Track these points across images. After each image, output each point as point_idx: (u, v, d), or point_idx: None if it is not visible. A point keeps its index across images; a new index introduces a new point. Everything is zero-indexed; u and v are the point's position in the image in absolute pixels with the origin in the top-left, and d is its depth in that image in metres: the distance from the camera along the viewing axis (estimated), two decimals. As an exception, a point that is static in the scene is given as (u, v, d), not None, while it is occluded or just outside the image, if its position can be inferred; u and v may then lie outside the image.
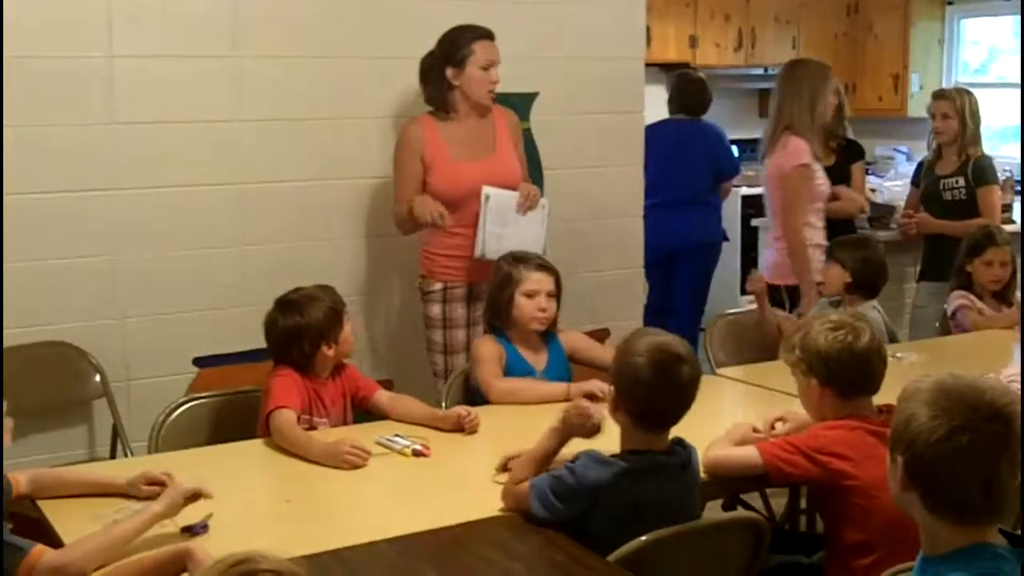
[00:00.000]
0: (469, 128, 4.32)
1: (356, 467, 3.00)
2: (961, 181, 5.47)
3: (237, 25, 4.32)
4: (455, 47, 4.24)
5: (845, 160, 5.48)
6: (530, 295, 3.71)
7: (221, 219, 4.38)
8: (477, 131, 4.33)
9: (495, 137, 4.37)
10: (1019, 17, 7.61)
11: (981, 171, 5.44)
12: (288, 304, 3.42)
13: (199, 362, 4.37)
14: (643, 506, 2.55)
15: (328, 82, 4.52)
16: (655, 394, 2.59)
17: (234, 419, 3.45)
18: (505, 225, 4.23)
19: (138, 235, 4.23)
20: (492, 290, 3.81)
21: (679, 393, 2.61)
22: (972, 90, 5.82)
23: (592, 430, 2.66)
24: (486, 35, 4.26)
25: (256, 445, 3.22)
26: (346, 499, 2.91)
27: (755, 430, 3.08)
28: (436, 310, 4.32)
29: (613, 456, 2.60)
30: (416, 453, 3.11)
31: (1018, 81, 7.56)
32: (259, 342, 3.54)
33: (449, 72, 4.24)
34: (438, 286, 4.31)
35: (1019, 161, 5.63)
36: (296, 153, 4.49)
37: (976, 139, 5.50)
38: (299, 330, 3.36)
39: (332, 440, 3.09)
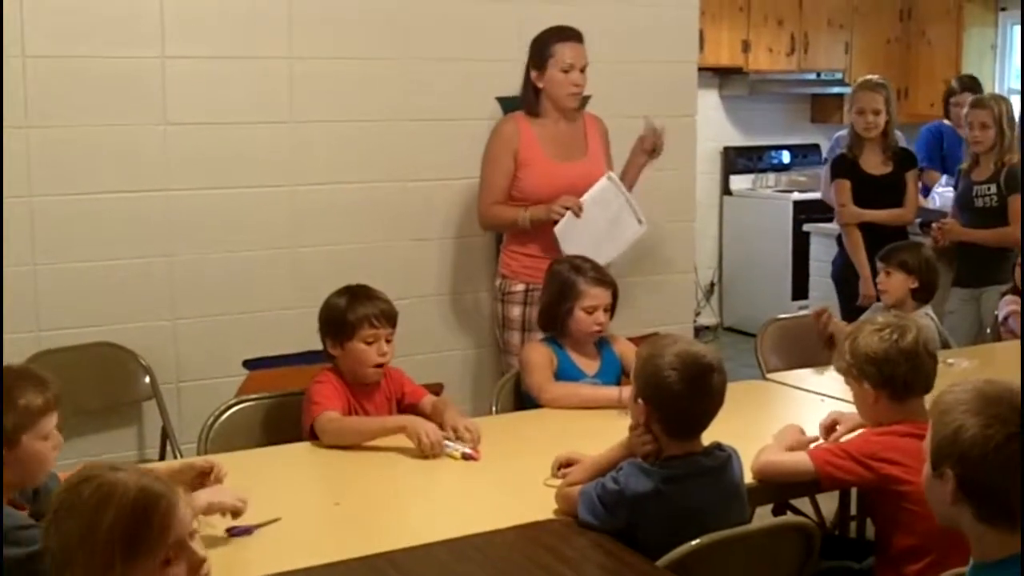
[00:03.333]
0: (560, 130, 4.31)
1: (427, 450, 3.04)
2: (993, 188, 5.40)
3: (292, 26, 4.36)
4: (538, 49, 4.24)
5: (900, 169, 5.43)
6: (590, 311, 3.69)
7: (274, 221, 4.42)
8: (568, 133, 4.33)
9: (586, 140, 4.36)
10: (1020, 25, 7.53)
11: (1012, 177, 5.37)
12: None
13: (249, 364, 4.40)
14: (689, 511, 2.54)
15: (383, 84, 4.55)
16: (688, 405, 2.57)
17: (284, 421, 3.44)
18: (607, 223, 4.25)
19: (190, 237, 4.27)
20: (551, 298, 3.75)
21: (710, 402, 2.60)
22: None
23: (652, 452, 2.64)
24: (571, 36, 4.23)
25: (304, 448, 3.22)
26: (396, 502, 2.90)
27: (803, 433, 3.06)
28: (516, 312, 4.28)
29: (654, 464, 2.59)
30: (465, 457, 3.11)
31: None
32: (310, 344, 3.55)
33: (533, 74, 4.25)
34: (520, 287, 4.28)
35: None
36: (350, 155, 4.53)
37: (1013, 146, 5.43)
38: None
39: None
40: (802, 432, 3.07)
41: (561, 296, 3.71)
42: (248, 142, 4.33)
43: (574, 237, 4.16)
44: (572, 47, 4.21)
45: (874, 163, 5.41)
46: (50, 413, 2.45)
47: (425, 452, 3.06)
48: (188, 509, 1.85)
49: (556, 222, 4.17)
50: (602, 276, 3.76)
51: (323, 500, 2.93)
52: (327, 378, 3.34)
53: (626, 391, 3.42)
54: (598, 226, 4.23)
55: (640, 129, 4.37)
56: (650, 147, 4.40)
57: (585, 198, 4.19)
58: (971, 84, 6.65)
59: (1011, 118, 5.42)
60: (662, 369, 2.57)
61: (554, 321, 3.74)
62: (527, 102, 4.30)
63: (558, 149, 4.29)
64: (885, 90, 5.46)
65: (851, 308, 5.28)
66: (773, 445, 2.99)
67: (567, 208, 4.15)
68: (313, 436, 3.22)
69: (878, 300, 4.63)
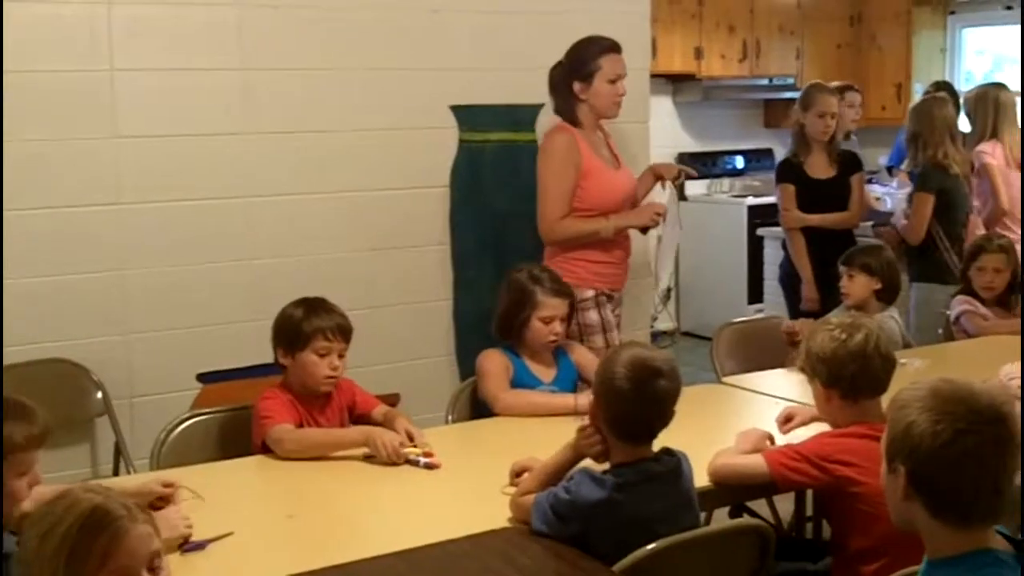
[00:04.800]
0: (597, 139, 4.42)
1: (388, 458, 3.07)
2: None
3: (243, 37, 4.33)
4: (582, 61, 4.30)
5: (845, 172, 5.47)
6: (546, 321, 3.70)
7: (227, 234, 4.38)
8: (602, 143, 4.45)
9: (612, 149, 4.49)
10: (1020, 25, 7.62)
11: (918, 177, 5.43)
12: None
13: (203, 378, 4.36)
14: (640, 518, 2.54)
15: (336, 95, 4.53)
16: (633, 408, 2.58)
17: (239, 435, 3.40)
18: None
19: (143, 250, 4.23)
20: (508, 306, 3.76)
21: (656, 408, 2.61)
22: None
23: (600, 453, 2.65)
24: (613, 48, 4.31)
25: (256, 461, 3.20)
26: (349, 513, 2.89)
27: (771, 440, 3.08)
28: (594, 316, 4.31)
29: (605, 472, 2.60)
30: (428, 466, 3.10)
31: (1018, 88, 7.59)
32: (265, 357, 3.52)
33: (577, 86, 4.30)
34: (590, 293, 4.30)
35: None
36: (304, 167, 4.50)
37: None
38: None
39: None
40: (764, 435, 3.09)
41: (519, 305, 3.72)
42: (200, 154, 4.30)
43: (668, 243, 4.49)
44: (617, 58, 4.30)
45: (819, 167, 5.44)
46: (31, 450, 2.37)
47: (388, 461, 3.07)
48: (151, 541, 1.87)
49: (645, 229, 4.41)
50: (560, 287, 3.78)
51: (276, 513, 2.91)
52: (274, 394, 3.33)
53: (581, 398, 3.44)
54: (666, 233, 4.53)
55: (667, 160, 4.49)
56: (660, 177, 4.58)
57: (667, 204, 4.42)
58: (945, 87, 6.73)
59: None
60: (614, 370, 2.59)
61: (511, 329, 3.75)
62: (568, 113, 4.36)
63: (604, 158, 4.39)
64: (838, 95, 5.54)
65: (798, 311, 5.33)
66: (732, 447, 3.01)
67: (660, 215, 4.35)
68: (265, 451, 3.20)
69: (842, 303, 4.65)
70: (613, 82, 4.28)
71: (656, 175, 4.59)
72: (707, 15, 8.10)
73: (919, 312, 5.34)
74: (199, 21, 4.26)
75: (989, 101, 5.72)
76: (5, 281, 3.97)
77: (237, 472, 3.16)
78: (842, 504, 2.83)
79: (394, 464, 3.08)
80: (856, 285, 4.49)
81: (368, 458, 3.13)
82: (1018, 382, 3.30)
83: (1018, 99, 5.96)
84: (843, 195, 5.44)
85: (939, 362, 4.12)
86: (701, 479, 2.82)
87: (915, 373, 3.82)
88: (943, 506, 1.89)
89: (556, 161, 4.30)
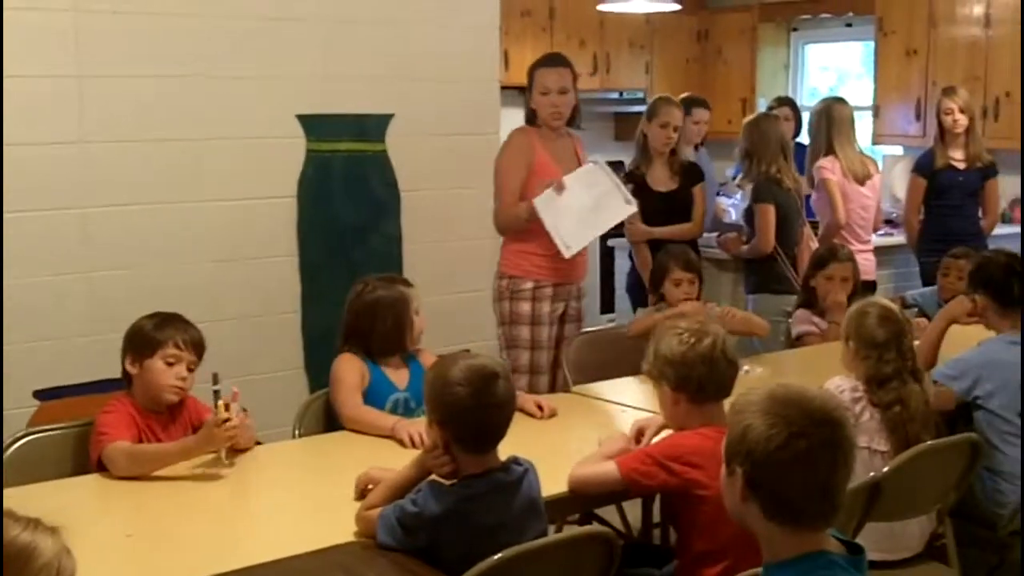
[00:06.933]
0: (558, 144, 4.76)
1: (235, 442, 3.09)
2: None
3: (79, 43, 4.20)
4: (528, 73, 4.74)
5: (687, 184, 5.56)
6: (418, 312, 3.72)
7: (64, 245, 4.26)
8: (563, 148, 4.78)
9: (577, 155, 4.81)
10: (872, 43, 7.90)
11: (755, 190, 5.57)
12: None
13: (41, 395, 4.21)
14: (487, 528, 2.54)
15: (180, 103, 4.44)
16: (479, 416, 2.58)
17: (79, 453, 3.30)
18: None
19: (-25, 263, 4.08)
20: (391, 319, 3.68)
21: (500, 411, 2.62)
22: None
23: (450, 472, 2.63)
24: (549, 62, 4.74)
25: (92, 479, 3.10)
26: (190, 530, 2.81)
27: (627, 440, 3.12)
28: (526, 307, 4.70)
29: (453, 484, 2.59)
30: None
31: (864, 103, 7.85)
32: (106, 372, 3.44)
33: (527, 96, 4.75)
34: (529, 284, 4.70)
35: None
36: (145, 176, 4.40)
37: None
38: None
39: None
40: (626, 439, 3.12)
41: (398, 311, 3.69)
42: (35, 164, 4.16)
43: (556, 212, 4.56)
44: (549, 71, 4.67)
45: (662, 179, 5.51)
46: None
47: (222, 439, 3.05)
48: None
49: None
50: (406, 279, 3.84)
51: (114, 532, 2.82)
52: (115, 407, 3.23)
53: (401, 423, 3.40)
54: (582, 204, 4.63)
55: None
56: None
57: (568, 176, 4.58)
58: (787, 103, 6.94)
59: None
60: (451, 387, 2.58)
61: (367, 332, 3.68)
62: (530, 119, 4.76)
63: (561, 161, 4.69)
64: (682, 108, 5.63)
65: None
66: (593, 455, 3.03)
67: (549, 184, 4.52)
68: (102, 468, 3.11)
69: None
70: (545, 94, 4.64)
71: None
72: (558, 28, 8.18)
73: None
74: (33, 26, 4.11)
75: (825, 117, 5.89)
76: None
77: (74, 490, 3.06)
78: (687, 507, 2.86)
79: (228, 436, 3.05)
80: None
81: (210, 477, 3.06)
82: (848, 394, 3.40)
83: (856, 113, 6.14)
84: (686, 206, 5.52)
85: (780, 370, 4.22)
86: (549, 488, 2.83)
87: (756, 380, 3.89)
88: (777, 508, 1.93)
89: (508, 156, 4.70)
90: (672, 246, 4.88)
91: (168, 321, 3.32)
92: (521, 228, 4.65)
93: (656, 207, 5.45)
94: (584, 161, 4.79)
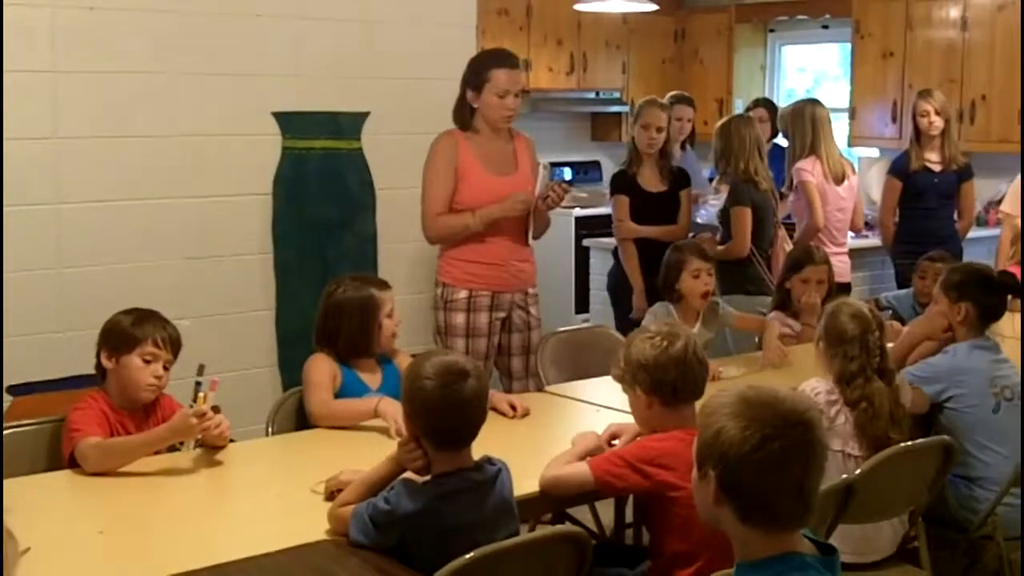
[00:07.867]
0: (494, 146, 4.47)
1: (204, 437, 3.09)
2: None
3: (55, 39, 4.18)
4: (476, 71, 4.40)
5: (675, 187, 5.58)
6: (390, 315, 3.68)
7: (37, 241, 4.23)
8: (500, 150, 4.49)
9: (516, 157, 4.53)
10: (848, 45, 7.93)
11: (731, 192, 5.58)
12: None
13: (13, 390, 4.19)
14: (459, 527, 2.55)
15: (155, 99, 4.43)
16: (446, 413, 2.59)
17: (52, 449, 3.28)
18: None
19: (-53, 259, 4.05)
20: (356, 321, 3.65)
21: (467, 409, 2.62)
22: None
23: (422, 467, 2.64)
24: (508, 63, 4.41)
25: (64, 476, 3.08)
26: (162, 527, 2.80)
27: (610, 443, 3.12)
28: (460, 319, 4.42)
29: (426, 483, 2.59)
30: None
31: (840, 105, 7.89)
32: (79, 368, 3.42)
33: (469, 95, 4.39)
34: (463, 294, 4.41)
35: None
36: (118, 173, 4.38)
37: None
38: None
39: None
40: (598, 441, 3.11)
41: (363, 310, 3.65)
42: (7, 159, 4.13)
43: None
44: (509, 73, 4.37)
45: (651, 180, 5.55)
46: None
47: (195, 431, 3.06)
48: None
49: (532, 233, 4.46)
50: (384, 280, 3.79)
51: (86, 528, 2.80)
52: (88, 404, 3.22)
53: (384, 402, 3.40)
54: None
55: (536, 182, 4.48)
56: (546, 201, 4.47)
57: (537, 191, 4.41)
58: (764, 104, 6.93)
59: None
60: (419, 380, 2.60)
61: (342, 334, 3.66)
62: (461, 119, 4.44)
63: (492, 164, 4.43)
64: (669, 111, 5.65)
65: (626, 319, 5.41)
66: (564, 454, 3.02)
67: (524, 202, 4.37)
68: (74, 464, 3.09)
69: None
70: (502, 96, 4.36)
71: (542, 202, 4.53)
72: (535, 28, 8.18)
73: None
74: (9, 21, 4.08)
75: (806, 118, 5.90)
76: None
77: (47, 486, 3.04)
78: (660, 508, 2.87)
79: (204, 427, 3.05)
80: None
81: (183, 473, 3.05)
82: (823, 396, 3.41)
83: (833, 115, 6.17)
84: (673, 209, 5.56)
85: (753, 372, 4.23)
86: (522, 487, 2.83)
87: (730, 382, 3.90)
88: (752, 510, 1.92)
89: (434, 161, 4.41)
90: (680, 242, 4.86)
91: (146, 318, 3.30)
92: (457, 237, 4.42)
93: (645, 207, 5.50)
94: (534, 164, 4.58)
